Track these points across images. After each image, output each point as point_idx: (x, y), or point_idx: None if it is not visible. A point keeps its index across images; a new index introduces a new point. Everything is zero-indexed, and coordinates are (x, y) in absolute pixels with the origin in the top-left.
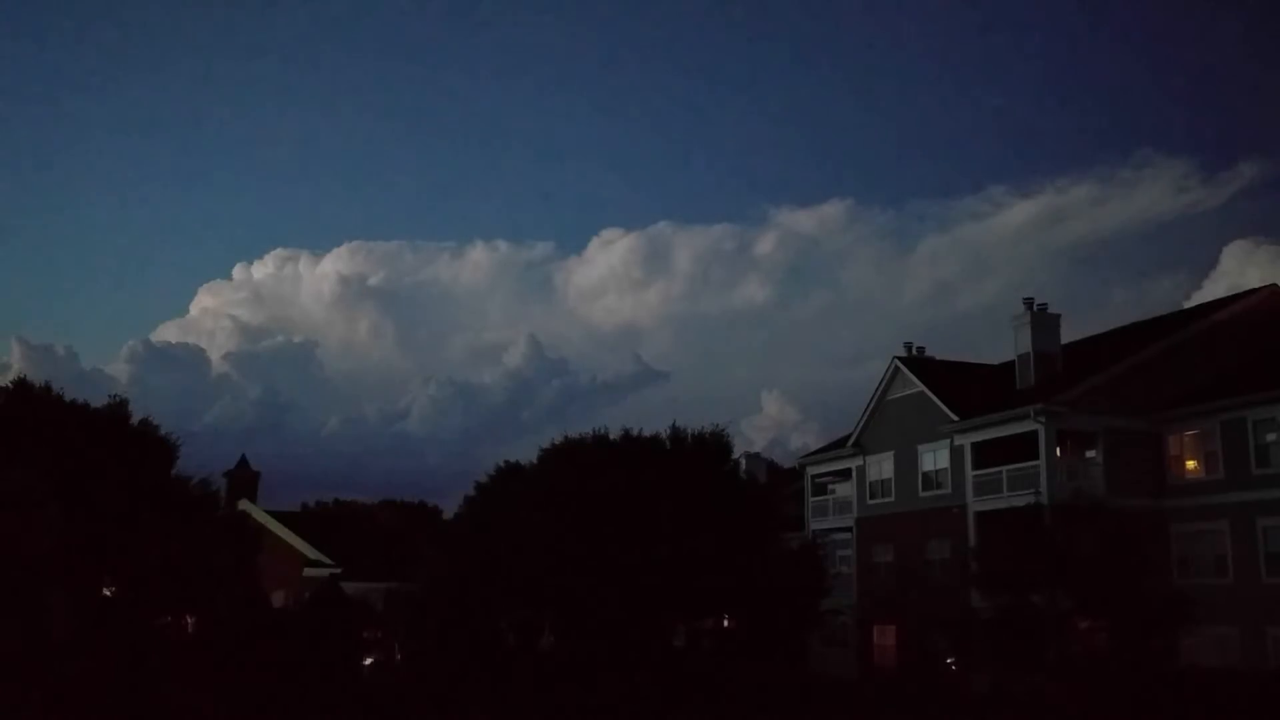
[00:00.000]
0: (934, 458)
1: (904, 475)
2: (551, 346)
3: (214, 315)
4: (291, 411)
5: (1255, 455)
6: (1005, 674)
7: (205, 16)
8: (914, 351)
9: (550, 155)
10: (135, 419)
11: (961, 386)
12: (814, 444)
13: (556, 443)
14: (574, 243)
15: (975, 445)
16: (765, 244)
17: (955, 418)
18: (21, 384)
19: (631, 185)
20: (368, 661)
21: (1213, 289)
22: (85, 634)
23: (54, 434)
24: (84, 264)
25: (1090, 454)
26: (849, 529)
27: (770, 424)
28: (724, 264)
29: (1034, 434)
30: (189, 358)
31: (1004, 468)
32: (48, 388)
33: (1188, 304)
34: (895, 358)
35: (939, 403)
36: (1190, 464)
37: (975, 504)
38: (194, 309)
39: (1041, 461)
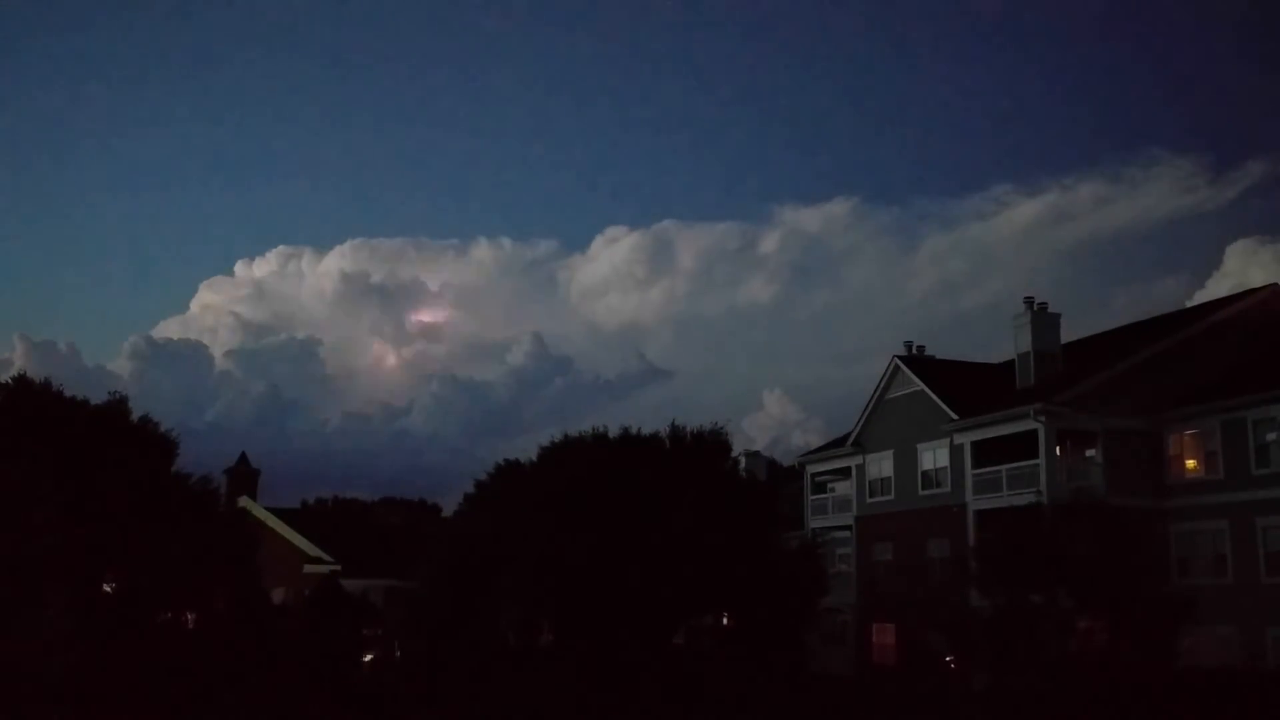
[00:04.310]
0: (933, 456)
1: (903, 474)
2: (555, 344)
3: (216, 312)
4: (293, 409)
5: (1255, 455)
6: (1004, 673)
7: (207, 15)
8: (914, 350)
9: (555, 153)
10: (135, 416)
11: (961, 385)
12: (816, 442)
13: (556, 441)
14: (578, 241)
15: (975, 444)
16: (769, 242)
17: (955, 416)
18: (21, 380)
19: (636, 183)
20: (367, 658)
21: (1216, 288)
22: (85, 630)
23: (54, 431)
24: (86, 260)
25: (1090, 453)
26: (848, 527)
27: (772, 422)
28: (728, 262)
29: (1034, 433)
30: (191, 354)
31: (1003, 467)
32: (47, 384)
33: (1190, 304)
34: (895, 356)
35: (939, 401)
36: (1190, 463)
37: (975, 503)
38: (196, 305)
39: (1041, 460)
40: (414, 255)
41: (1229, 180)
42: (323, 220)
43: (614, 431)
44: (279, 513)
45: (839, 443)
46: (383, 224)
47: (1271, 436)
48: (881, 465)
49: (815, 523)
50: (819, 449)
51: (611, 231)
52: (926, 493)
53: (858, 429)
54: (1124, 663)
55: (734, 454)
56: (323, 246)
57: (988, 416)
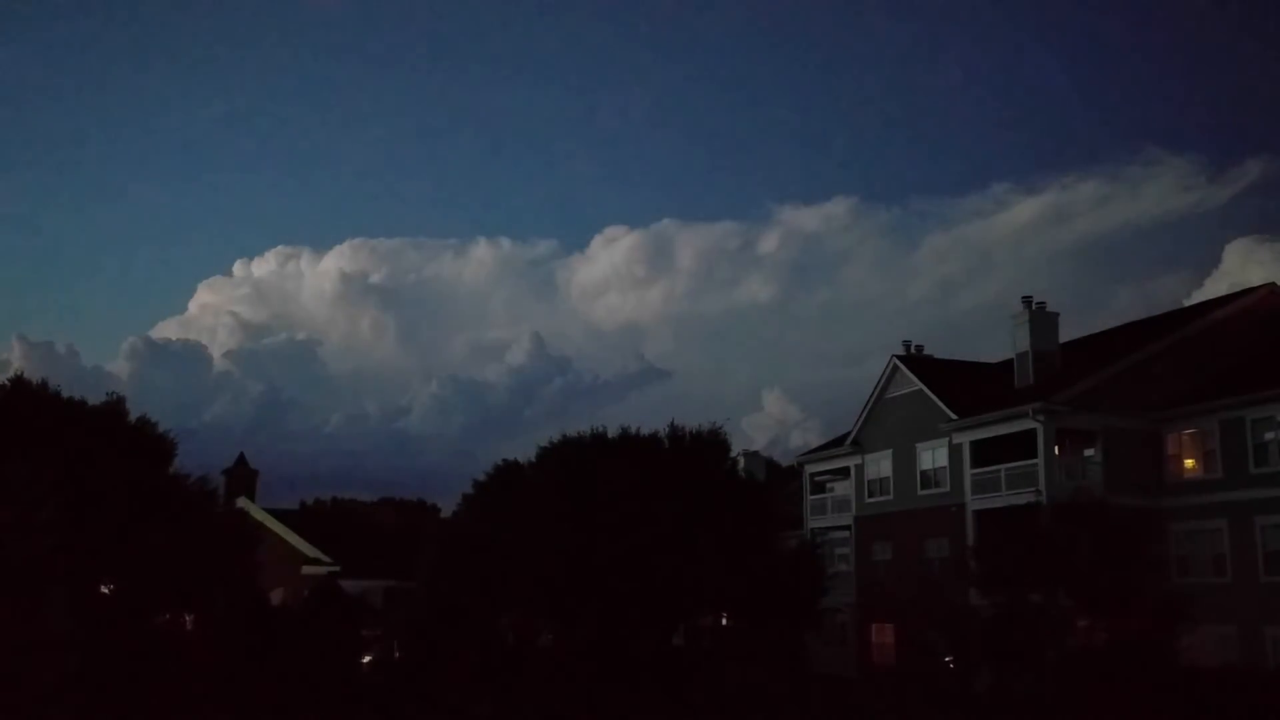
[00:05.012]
0: (932, 456)
1: (902, 474)
2: (554, 344)
3: (214, 312)
4: (292, 409)
5: (1254, 454)
6: (1004, 673)
7: (206, 14)
8: (913, 350)
9: (554, 153)
10: (133, 417)
11: (960, 385)
12: (815, 442)
13: (555, 441)
14: (577, 240)
15: (974, 444)
16: (768, 242)
17: (954, 416)
18: (19, 381)
19: (635, 183)
20: (366, 659)
21: (1214, 287)
22: (84, 632)
23: (51, 431)
24: (84, 261)
25: (1089, 452)
26: (847, 527)
27: (771, 422)
28: (727, 262)
29: (1033, 432)
30: (189, 355)
31: (1003, 466)
32: (44, 385)
33: (1189, 302)
34: (893, 356)
35: (937, 401)
36: (1189, 463)
37: (974, 502)
38: (194, 306)
39: (1040, 460)
40: (413, 255)
41: (1228, 179)
42: (322, 220)
43: (613, 432)
44: (277, 513)
45: (838, 443)
46: (382, 224)
47: (1270, 436)
48: (880, 465)
49: (814, 523)
50: (818, 449)
51: (611, 231)
52: (925, 492)
53: (856, 429)
54: (1123, 662)
55: (733, 454)
56: (322, 246)
57: (987, 416)
